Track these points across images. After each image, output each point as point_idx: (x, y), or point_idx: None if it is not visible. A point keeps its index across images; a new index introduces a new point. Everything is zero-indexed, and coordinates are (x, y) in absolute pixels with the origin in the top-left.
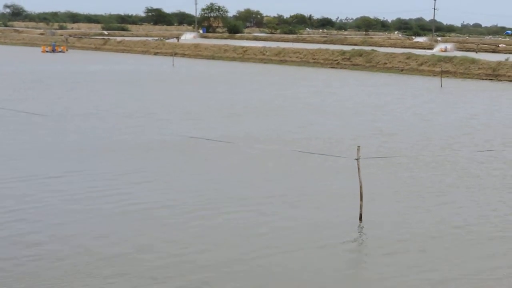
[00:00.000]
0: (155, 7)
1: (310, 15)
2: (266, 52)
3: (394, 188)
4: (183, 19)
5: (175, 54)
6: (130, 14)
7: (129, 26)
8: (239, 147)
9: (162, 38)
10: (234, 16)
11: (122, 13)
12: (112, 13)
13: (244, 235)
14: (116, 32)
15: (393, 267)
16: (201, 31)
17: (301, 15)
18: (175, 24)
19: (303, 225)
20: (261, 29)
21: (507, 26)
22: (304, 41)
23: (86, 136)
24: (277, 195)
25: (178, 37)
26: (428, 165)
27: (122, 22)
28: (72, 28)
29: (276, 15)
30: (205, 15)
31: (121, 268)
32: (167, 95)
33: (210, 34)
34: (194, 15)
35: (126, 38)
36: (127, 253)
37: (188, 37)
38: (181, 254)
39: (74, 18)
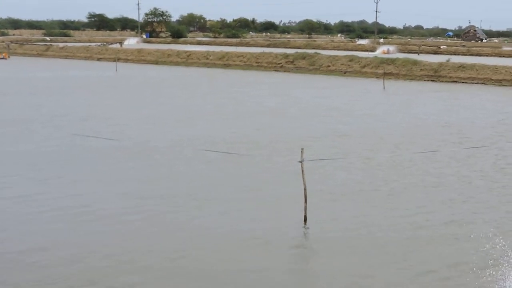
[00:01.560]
0: (97, 12)
1: (253, 18)
2: (210, 56)
3: (338, 190)
4: (126, 24)
5: (119, 59)
6: (72, 20)
7: (71, 32)
8: (191, 151)
9: (105, 43)
10: (178, 21)
11: (64, 19)
12: (54, 19)
13: (184, 236)
14: (59, 38)
15: (337, 269)
16: (144, 36)
17: (244, 19)
18: (118, 29)
19: (247, 228)
20: (204, 33)
21: (448, 27)
22: (247, 45)
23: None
24: (218, 198)
25: (121, 43)
26: (373, 166)
27: (64, 28)
28: (13, 35)
29: (219, 19)
30: (149, 20)
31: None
32: (107, 101)
33: (153, 39)
34: (137, 20)
35: (69, 44)
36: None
37: (132, 42)
38: (120, 253)
39: (16, 24)
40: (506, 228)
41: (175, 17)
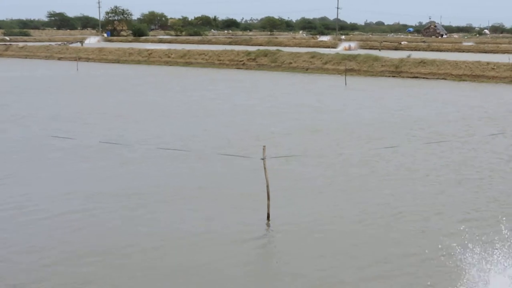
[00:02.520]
0: (58, 11)
1: (215, 16)
2: (172, 54)
3: (302, 186)
4: (87, 23)
5: (79, 58)
6: (32, 19)
7: (31, 31)
8: (154, 150)
9: (65, 42)
10: (139, 19)
11: (23, 18)
12: (14, 18)
13: (144, 233)
14: (18, 37)
15: (300, 264)
16: (105, 35)
17: (206, 16)
18: (79, 28)
19: (209, 226)
20: (166, 31)
21: (409, 23)
22: (209, 42)
23: None
24: (178, 196)
25: (82, 41)
26: (338, 162)
27: (24, 27)
28: None
29: (180, 17)
30: (109, 18)
31: None
32: (67, 100)
33: (114, 38)
34: (98, 18)
35: (29, 44)
36: None
37: (92, 41)
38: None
39: None
40: (460, 217)
41: (136, 16)
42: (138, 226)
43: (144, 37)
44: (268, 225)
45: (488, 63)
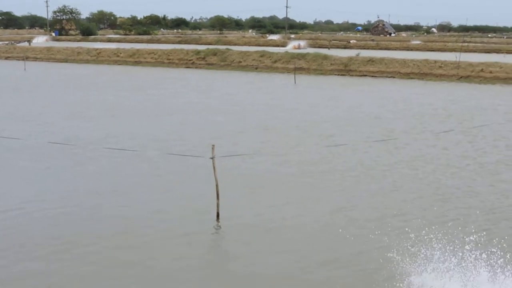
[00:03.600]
0: (4, 10)
1: (164, 15)
2: (121, 53)
3: (250, 186)
4: (34, 22)
5: (27, 58)
6: None
7: None
8: (106, 150)
9: (13, 42)
10: (87, 18)
11: None
12: None
13: (96, 230)
14: None
15: (249, 263)
16: (53, 34)
17: (155, 15)
18: (27, 27)
19: (159, 226)
20: (115, 30)
21: (358, 22)
22: (158, 41)
23: None
24: (126, 195)
25: (29, 41)
26: (288, 160)
27: None
28: None
29: (130, 16)
30: (57, 17)
31: None
32: (14, 100)
33: (63, 37)
34: (46, 18)
35: None
36: None
37: (40, 40)
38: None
39: None
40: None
41: (84, 15)
42: (79, 226)
43: (92, 36)
44: (218, 224)
45: (435, 61)
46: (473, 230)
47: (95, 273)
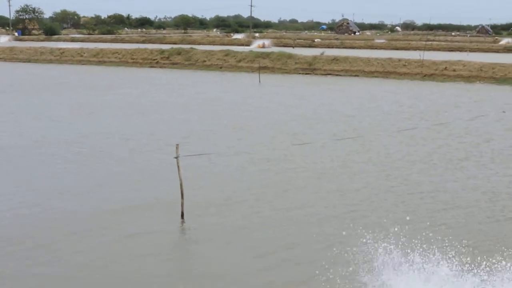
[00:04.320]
0: None
1: (128, 14)
2: (84, 53)
3: (214, 184)
4: None
5: None
6: None
7: None
8: (71, 149)
9: None
10: (51, 18)
11: None
12: None
13: (56, 234)
14: None
15: (213, 261)
16: (16, 34)
17: (119, 15)
18: None
19: (126, 226)
20: (78, 30)
21: (322, 21)
22: (122, 41)
23: None
24: (90, 196)
25: None
26: (254, 159)
27: None
28: None
29: (93, 16)
30: (20, 17)
31: None
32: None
33: (26, 37)
34: (8, 17)
35: None
36: None
37: (3, 40)
38: None
39: None
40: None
41: (47, 14)
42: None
43: (56, 36)
44: (182, 224)
45: (399, 60)
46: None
47: (52, 275)
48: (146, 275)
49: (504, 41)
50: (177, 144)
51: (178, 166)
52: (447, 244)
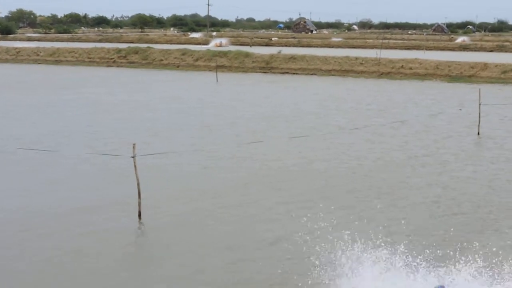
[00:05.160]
0: None
1: (85, 13)
2: (41, 52)
3: (172, 184)
4: None
5: None
6: None
7: None
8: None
9: None
10: (6, 17)
11: None
12: None
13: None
14: None
15: (170, 260)
16: None
17: (76, 14)
18: None
19: (82, 226)
20: (35, 29)
21: (280, 20)
22: (79, 40)
23: None
24: (47, 196)
25: None
26: (212, 157)
27: None
28: None
29: (50, 15)
30: None
31: None
32: None
33: None
34: None
35: None
36: None
37: None
38: None
39: None
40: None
41: (3, 13)
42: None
43: (12, 35)
44: (139, 223)
45: (356, 58)
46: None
47: (4, 272)
48: (99, 276)
49: (460, 39)
50: (134, 144)
51: (135, 166)
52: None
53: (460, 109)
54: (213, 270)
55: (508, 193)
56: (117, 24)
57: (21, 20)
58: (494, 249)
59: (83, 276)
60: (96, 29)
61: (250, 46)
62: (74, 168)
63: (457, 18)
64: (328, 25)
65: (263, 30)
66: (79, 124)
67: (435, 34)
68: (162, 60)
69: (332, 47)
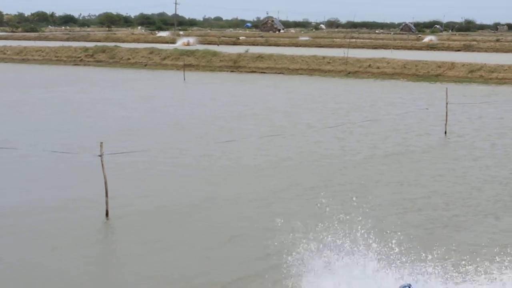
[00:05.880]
0: None
1: (52, 12)
2: (7, 51)
3: (140, 182)
4: None
5: None
6: None
7: None
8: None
9: None
10: None
11: None
12: None
13: None
14: None
15: (139, 260)
16: None
17: (43, 12)
18: None
19: (48, 226)
20: (1, 28)
21: (247, 19)
22: (46, 38)
23: None
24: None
25: None
26: (180, 156)
27: None
28: None
29: (16, 13)
30: None
31: None
32: None
33: None
34: None
35: None
36: None
37: None
38: None
39: None
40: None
41: None
42: None
43: None
44: (106, 222)
45: (324, 57)
46: None
47: None
48: (65, 277)
49: (427, 38)
50: (101, 142)
51: (102, 165)
52: None
53: (427, 108)
54: (180, 268)
55: (474, 191)
56: (84, 22)
57: None
58: (460, 247)
59: (49, 275)
60: (63, 27)
61: (218, 45)
62: (43, 166)
63: (424, 17)
64: (296, 24)
65: (231, 29)
66: (50, 122)
67: (402, 34)
68: (129, 59)
69: (300, 46)
